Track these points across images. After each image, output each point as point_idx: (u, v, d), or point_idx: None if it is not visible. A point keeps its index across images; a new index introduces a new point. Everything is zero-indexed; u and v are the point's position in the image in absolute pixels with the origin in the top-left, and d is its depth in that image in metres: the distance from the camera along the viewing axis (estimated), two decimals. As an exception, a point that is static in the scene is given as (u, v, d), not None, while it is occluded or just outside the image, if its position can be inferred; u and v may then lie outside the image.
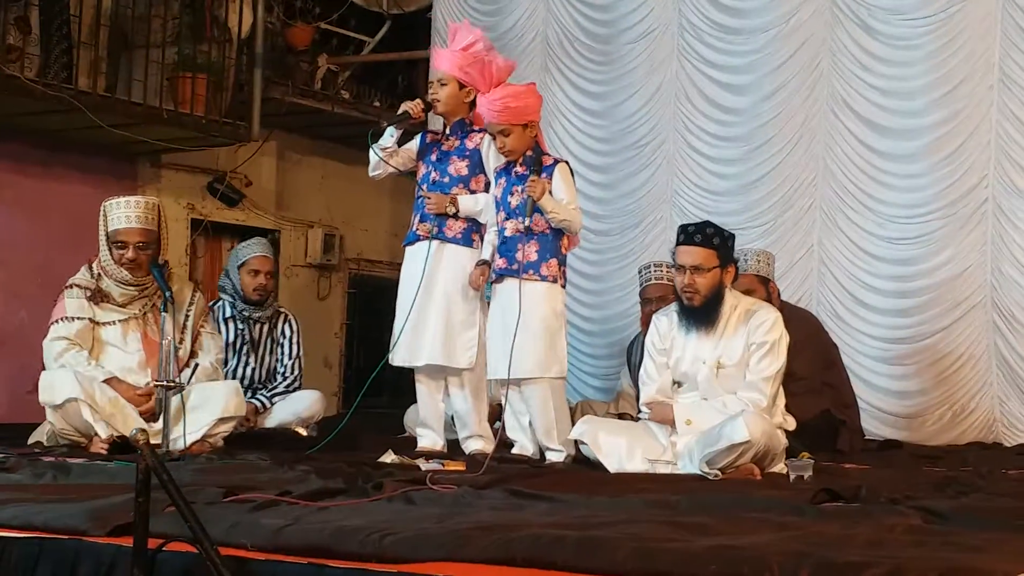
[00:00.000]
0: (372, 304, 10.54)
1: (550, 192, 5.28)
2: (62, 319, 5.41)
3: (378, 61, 10.33)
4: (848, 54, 7.67)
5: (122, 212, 5.38)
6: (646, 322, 6.89)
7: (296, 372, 6.79)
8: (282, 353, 6.78)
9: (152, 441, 4.86)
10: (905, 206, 7.47)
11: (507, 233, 5.35)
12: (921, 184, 7.43)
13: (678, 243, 5.00)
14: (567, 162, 5.51)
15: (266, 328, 6.73)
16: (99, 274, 5.48)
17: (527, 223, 5.25)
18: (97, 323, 5.43)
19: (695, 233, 4.94)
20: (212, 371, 5.55)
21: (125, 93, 8.10)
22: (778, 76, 7.89)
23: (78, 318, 5.40)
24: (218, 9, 8.73)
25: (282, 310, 6.92)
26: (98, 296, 5.43)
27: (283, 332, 6.79)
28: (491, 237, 5.44)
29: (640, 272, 7.11)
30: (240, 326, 6.58)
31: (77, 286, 5.47)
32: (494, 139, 5.38)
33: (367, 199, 10.29)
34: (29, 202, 8.20)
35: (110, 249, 5.39)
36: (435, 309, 5.45)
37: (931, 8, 7.43)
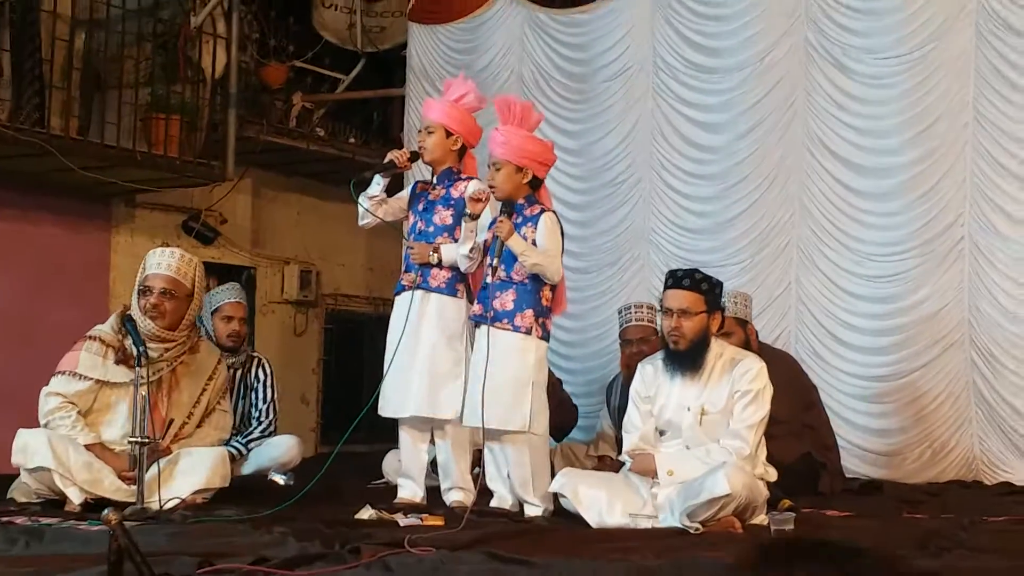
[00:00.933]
0: (349, 340, 10.50)
1: (534, 242, 5.24)
2: (69, 373, 5.25)
3: (353, 99, 10.32)
4: (823, 93, 7.68)
5: (155, 259, 5.37)
6: (626, 363, 6.88)
7: (271, 416, 6.73)
8: (256, 397, 6.72)
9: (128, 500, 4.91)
10: (882, 244, 7.47)
11: (488, 280, 5.32)
12: (897, 222, 7.43)
13: (666, 287, 5.03)
14: (555, 212, 5.46)
15: (239, 373, 6.68)
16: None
17: (495, 262, 5.19)
18: (107, 384, 5.28)
19: (683, 277, 5.00)
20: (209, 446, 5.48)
21: (98, 135, 8.05)
22: (753, 115, 7.90)
23: (85, 377, 5.24)
24: (191, 50, 8.69)
25: (255, 355, 6.87)
26: (120, 355, 5.27)
27: (256, 376, 6.74)
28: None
29: (620, 313, 7.09)
30: None
31: (101, 340, 5.31)
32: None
33: (343, 235, 10.25)
34: (2, 246, 8.12)
35: (139, 297, 5.31)
36: (420, 360, 5.43)
37: (905, 47, 7.44)
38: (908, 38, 7.45)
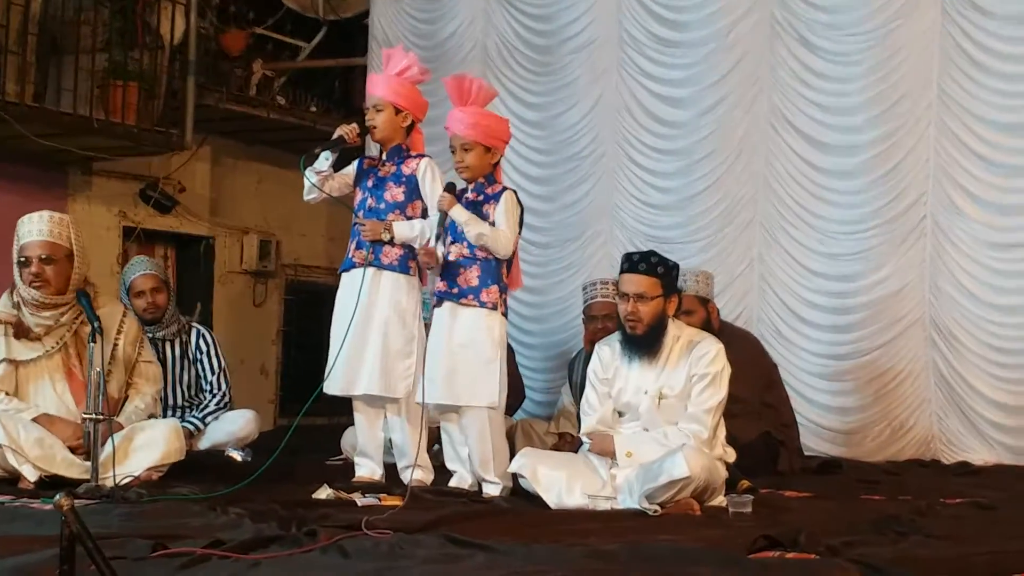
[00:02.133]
0: (309, 310, 10.43)
1: (492, 223, 5.21)
2: None
3: (314, 67, 10.21)
4: (788, 69, 7.66)
5: (27, 227, 5.18)
6: (590, 339, 6.85)
7: (223, 387, 6.64)
8: (203, 369, 6.62)
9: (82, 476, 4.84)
10: (845, 222, 7.48)
11: (451, 257, 5.28)
12: (860, 200, 7.44)
13: (622, 271, 4.98)
14: (515, 191, 5.42)
15: (176, 344, 6.58)
16: (18, 303, 5.22)
17: (438, 231, 5.18)
18: (18, 362, 5.17)
19: (639, 262, 4.94)
20: (152, 406, 5.40)
21: (54, 102, 7.93)
22: (718, 90, 7.87)
23: None
24: (150, 15, 8.57)
25: (193, 325, 6.76)
26: (20, 330, 5.18)
27: (198, 347, 6.63)
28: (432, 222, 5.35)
29: (584, 289, 7.06)
30: None
31: None
32: (454, 153, 5.30)
33: (303, 204, 9.93)
34: (-44, 214, 8.00)
35: (19, 269, 5.18)
36: (372, 338, 5.36)
37: (870, 24, 7.43)
38: (874, 15, 7.44)
